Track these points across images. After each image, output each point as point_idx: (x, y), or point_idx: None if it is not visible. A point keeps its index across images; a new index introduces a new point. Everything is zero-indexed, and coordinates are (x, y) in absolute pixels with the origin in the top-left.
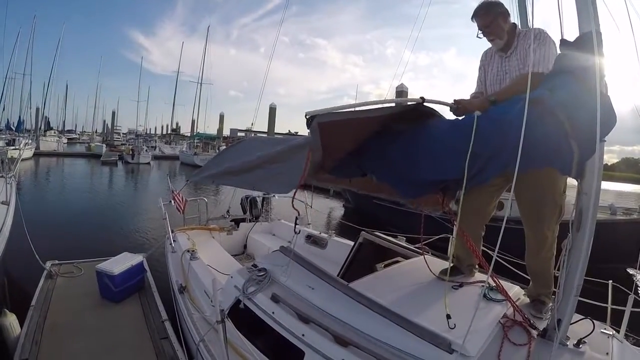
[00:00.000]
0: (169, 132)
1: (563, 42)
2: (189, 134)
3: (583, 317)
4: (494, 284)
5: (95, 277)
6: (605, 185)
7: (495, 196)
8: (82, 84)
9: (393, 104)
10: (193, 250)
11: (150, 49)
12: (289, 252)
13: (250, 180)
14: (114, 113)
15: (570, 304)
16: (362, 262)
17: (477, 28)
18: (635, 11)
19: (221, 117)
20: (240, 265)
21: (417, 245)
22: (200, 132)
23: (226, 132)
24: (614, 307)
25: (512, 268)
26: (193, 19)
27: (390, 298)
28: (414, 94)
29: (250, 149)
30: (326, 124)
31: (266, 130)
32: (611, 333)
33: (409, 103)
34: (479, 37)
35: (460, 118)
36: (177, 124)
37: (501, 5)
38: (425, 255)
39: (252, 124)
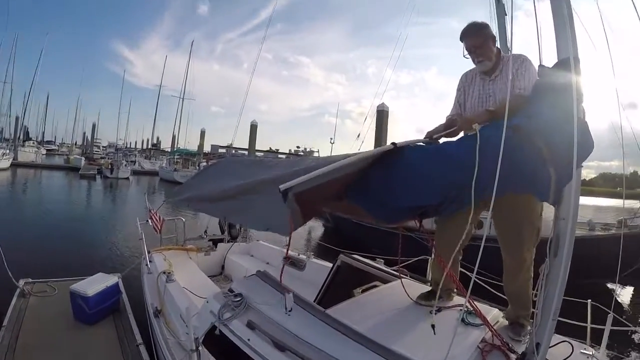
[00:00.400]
0: (149, 146)
1: (541, 67)
2: (169, 149)
3: (562, 339)
4: (472, 308)
5: (69, 298)
6: (585, 200)
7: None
8: (64, 94)
9: (366, 155)
10: (169, 272)
11: (133, 62)
12: (265, 276)
13: (222, 210)
14: (94, 125)
15: (548, 328)
16: (340, 286)
17: (464, 48)
18: (611, 28)
19: (202, 133)
20: (216, 288)
21: (394, 268)
22: (180, 147)
23: (207, 148)
24: (593, 326)
25: (490, 289)
26: (178, 33)
27: (367, 325)
28: (395, 113)
29: (227, 173)
30: (302, 191)
31: (247, 148)
32: (591, 353)
33: (383, 150)
34: (466, 57)
35: (434, 145)
36: (157, 138)
37: (490, 28)
38: (403, 279)
39: (232, 142)
